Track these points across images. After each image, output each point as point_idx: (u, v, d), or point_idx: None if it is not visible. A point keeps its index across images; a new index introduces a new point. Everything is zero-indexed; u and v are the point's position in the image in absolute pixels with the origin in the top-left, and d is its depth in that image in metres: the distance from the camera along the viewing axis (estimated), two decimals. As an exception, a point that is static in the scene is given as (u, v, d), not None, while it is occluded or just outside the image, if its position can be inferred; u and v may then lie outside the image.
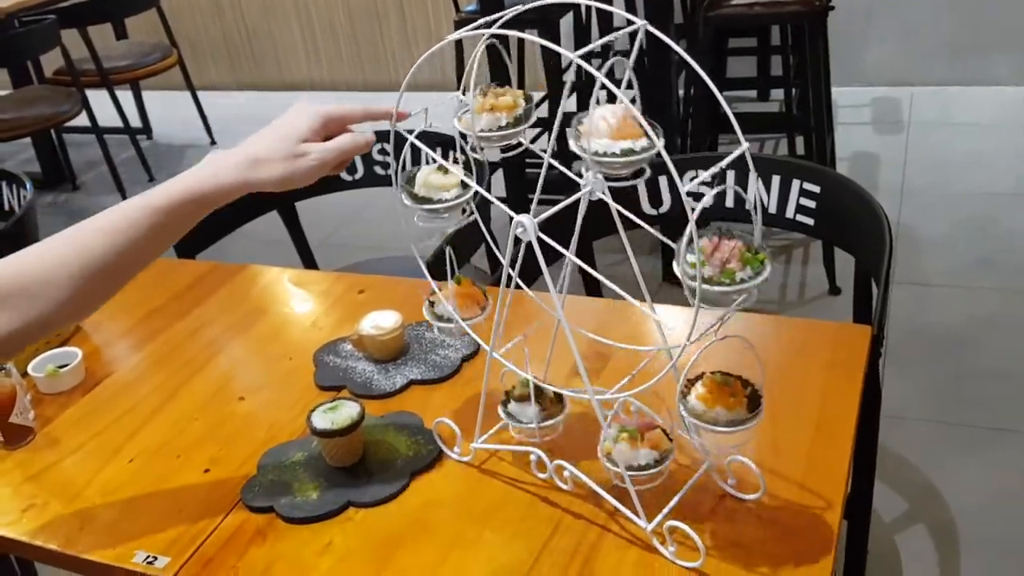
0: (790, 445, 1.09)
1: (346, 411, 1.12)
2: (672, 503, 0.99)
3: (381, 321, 1.32)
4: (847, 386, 1.17)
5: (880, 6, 4.24)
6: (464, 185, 1.00)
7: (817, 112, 3.00)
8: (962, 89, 4.24)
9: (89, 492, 1.15)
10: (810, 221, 1.66)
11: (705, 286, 0.83)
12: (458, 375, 1.29)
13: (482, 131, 0.95)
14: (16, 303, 0.95)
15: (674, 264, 0.85)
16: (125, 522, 1.10)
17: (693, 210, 0.79)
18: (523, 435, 1.08)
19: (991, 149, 3.69)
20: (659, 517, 0.97)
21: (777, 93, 4.30)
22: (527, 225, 0.95)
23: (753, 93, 4.39)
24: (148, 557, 1.04)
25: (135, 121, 4.83)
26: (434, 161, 1.01)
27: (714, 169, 0.83)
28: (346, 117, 1.05)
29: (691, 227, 0.81)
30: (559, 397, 1.06)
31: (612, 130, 0.86)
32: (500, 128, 0.95)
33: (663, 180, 1.72)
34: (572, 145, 0.90)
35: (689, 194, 0.77)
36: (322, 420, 1.11)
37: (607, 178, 0.93)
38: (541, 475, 1.08)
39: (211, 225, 1.93)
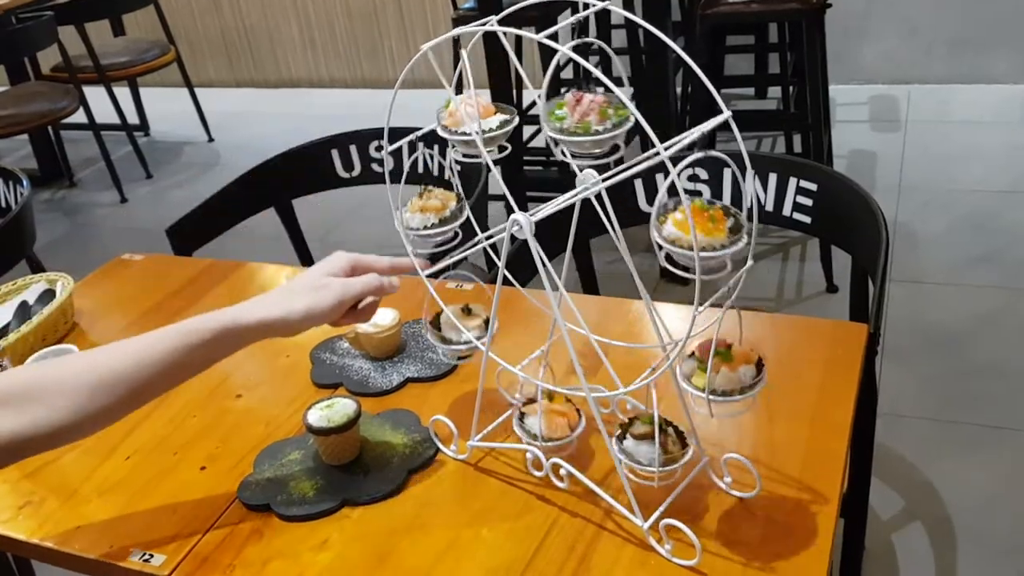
0: (786, 443, 1.09)
1: (342, 409, 1.12)
2: (668, 501, 0.99)
3: (378, 319, 1.32)
4: (843, 384, 1.17)
5: (878, 4, 4.24)
6: (487, 324, 1.08)
7: (814, 110, 3.00)
8: (960, 87, 4.24)
9: (85, 490, 1.15)
10: (807, 219, 1.66)
11: (564, 136, 0.91)
12: (455, 373, 1.29)
13: (413, 229, 1.06)
14: (27, 406, 0.93)
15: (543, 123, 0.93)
16: (121, 520, 1.10)
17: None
18: (637, 476, 0.99)
19: (988, 146, 3.69)
20: (655, 515, 0.97)
21: (775, 91, 4.30)
22: (523, 223, 0.95)
23: (751, 91, 4.39)
24: (144, 555, 1.04)
25: (132, 118, 4.83)
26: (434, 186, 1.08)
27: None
28: (372, 267, 1.08)
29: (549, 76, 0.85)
30: (682, 439, 0.99)
31: (478, 114, 0.98)
32: (427, 228, 1.06)
33: (660, 178, 1.72)
34: (439, 131, 1.01)
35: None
36: (318, 418, 1.11)
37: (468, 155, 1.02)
38: (537, 473, 1.08)
39: (209, 222, 1.95)
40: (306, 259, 2.21)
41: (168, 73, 4.67)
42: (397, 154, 2.00)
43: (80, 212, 4.29)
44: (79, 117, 4.08)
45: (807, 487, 1.02)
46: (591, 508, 1.03)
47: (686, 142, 0.85)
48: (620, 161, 1.03)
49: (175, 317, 1.49)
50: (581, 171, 0.96)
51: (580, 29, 3.75)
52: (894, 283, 2.82)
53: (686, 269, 0.87)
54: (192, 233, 1.90)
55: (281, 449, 1.17)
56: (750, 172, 0.88)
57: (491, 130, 1.00)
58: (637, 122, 0.88)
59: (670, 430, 0.98)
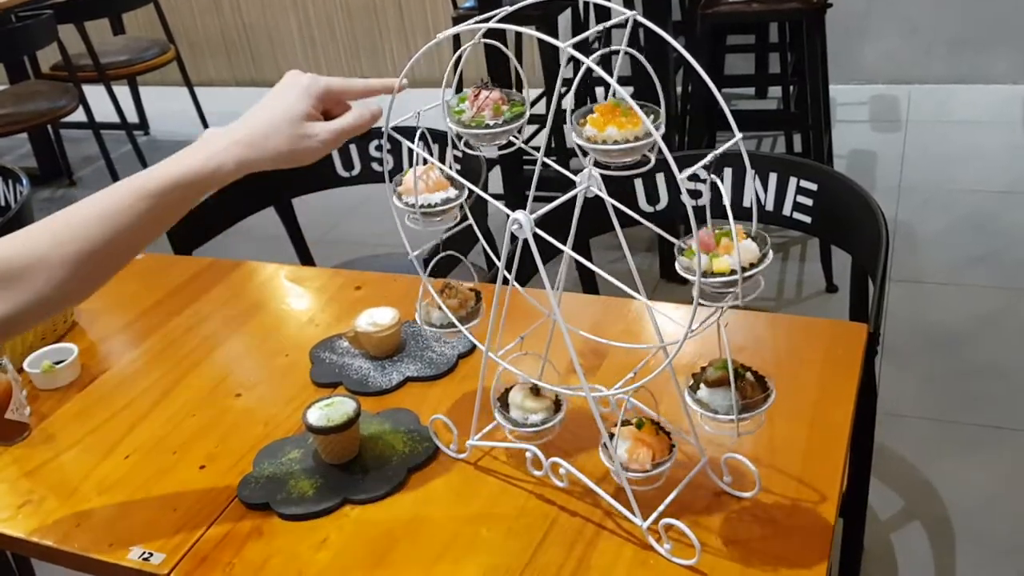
0: (786, 443, 1.09)
1: (342, 408, 1.12)
2: (668, 500, 0.99)
3: (378, 318, 1.32)
4: (843, 384, 1.17)
5: (878, 4, 4.24)
6: (556, 406, 1.07)
7: (815, 109, 3.00)
8: (960, 87, 4.24)
9: (85, 488, 1.15)
10: (807, 219, 1.66)
11: (462, 128, 0.97)
12: (454, 372, 1.29)
13: (431, 325, 1.11)
14: (8, 287, 0.91)
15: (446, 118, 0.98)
16: (121, 519, 1.10)
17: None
18: (715, 428, 0.93)
19: (988, 147, 3.69)
20: (654, 515, 0.97)
21: (775, 90, 4.31)
22: (523, 222, 0.95)
23: (751, 90, 4.39)
24: (144, 553, 1.04)
25: (132, 117, 4.82)
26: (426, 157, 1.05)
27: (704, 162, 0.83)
28: (346, 93, 1.03)
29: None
30: (762, 383, 0.92)
31: (428, 186, 1.04)
32: (442, 326, 1.10)
33: (660, 177, 1.72)
34: (395, 201, 1.04)
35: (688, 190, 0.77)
36: (318, 417, 1.11)
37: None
38: (537, 472, 1.08)
39: (208, 222, 1.95)
40: (306, 258, 2.21)
41: (168, 72, 4.67)
42: (396, 152, 2.00)
43: (80, 211, 4.28)
44: (79, 116, 4.07)
45: (806, 487, 1.02)
46: (590, 507, 1.03)
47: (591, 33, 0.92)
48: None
49: (175, 316, 1.50)
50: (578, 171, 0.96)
51: (579, 28, 3.75)
52: (894, 283, 2.82)
53: (605, 167, 0.92)
54: (192, 232, 1.90)
55: (281, 448, 1.17)
56: (750, 172, 0.87)
57: (432, 206, 1.03)
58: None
59: (748, 375, 0.93)
